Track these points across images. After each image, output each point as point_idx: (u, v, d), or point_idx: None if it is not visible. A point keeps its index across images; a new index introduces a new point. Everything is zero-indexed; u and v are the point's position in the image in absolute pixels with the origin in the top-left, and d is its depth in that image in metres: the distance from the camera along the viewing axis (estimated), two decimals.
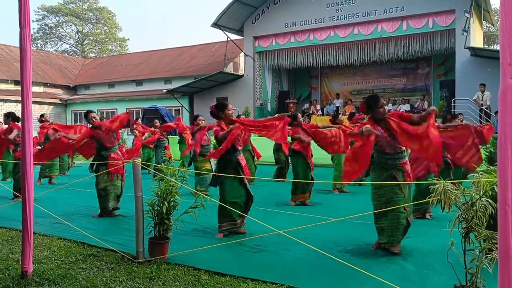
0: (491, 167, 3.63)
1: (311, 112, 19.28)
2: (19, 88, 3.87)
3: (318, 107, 20.03)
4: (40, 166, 9.72)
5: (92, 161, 6.47)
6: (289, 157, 8.54)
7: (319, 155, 7.87)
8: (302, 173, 7.09)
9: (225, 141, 5.00)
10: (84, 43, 46.27)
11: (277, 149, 10.19)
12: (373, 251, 4.43)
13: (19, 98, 3.69)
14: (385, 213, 4.22)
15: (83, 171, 12.01)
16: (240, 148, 5.28)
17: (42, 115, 9.94)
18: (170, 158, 5.77)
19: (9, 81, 23.24)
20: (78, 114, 25.43)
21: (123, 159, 6.49)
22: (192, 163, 10.14)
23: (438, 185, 2.90)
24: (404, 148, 4.39)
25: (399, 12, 16.94)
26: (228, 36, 20.32)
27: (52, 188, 8.70)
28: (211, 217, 5.30)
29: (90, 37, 46.37)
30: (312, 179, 7.06)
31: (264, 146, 11.74)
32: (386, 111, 4.44)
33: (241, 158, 5.29)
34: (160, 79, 24.00)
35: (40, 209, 5.46)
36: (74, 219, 5.97)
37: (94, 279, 3.69)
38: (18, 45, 3.62)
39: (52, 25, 44.81)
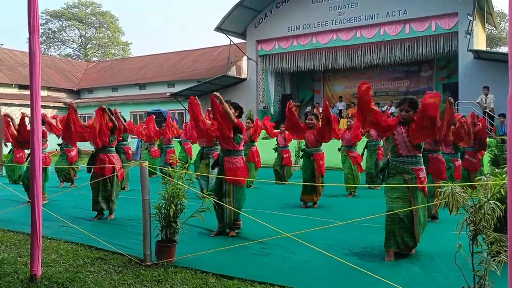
0: (497, 169, 3.64)
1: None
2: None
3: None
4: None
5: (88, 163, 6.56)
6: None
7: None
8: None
9: None
10: (87, 47, 46.48)
11: None
12: (380, 253, 4.43)
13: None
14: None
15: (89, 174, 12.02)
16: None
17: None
18: (176, 161, 5.75)
19: (13, 85, 23.34)
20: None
21: (117, 163, 6.51)
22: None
23: (445, 188, 2.92)
24: (419, 154, 4.38)
25: (401, 15, 16.98)
26: (231, 40, 20.39)
27: (59, 192, 8.72)
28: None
29: (93, 41, 46.60)
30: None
31: (266, 149, 11.76)
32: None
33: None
34: (163, 82, 24.08)
35: (47, 212, 5.49)
36: (81, 223, 6.00)
37: (102, 282, 3.71)
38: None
39: (56, 29, 45.06)
